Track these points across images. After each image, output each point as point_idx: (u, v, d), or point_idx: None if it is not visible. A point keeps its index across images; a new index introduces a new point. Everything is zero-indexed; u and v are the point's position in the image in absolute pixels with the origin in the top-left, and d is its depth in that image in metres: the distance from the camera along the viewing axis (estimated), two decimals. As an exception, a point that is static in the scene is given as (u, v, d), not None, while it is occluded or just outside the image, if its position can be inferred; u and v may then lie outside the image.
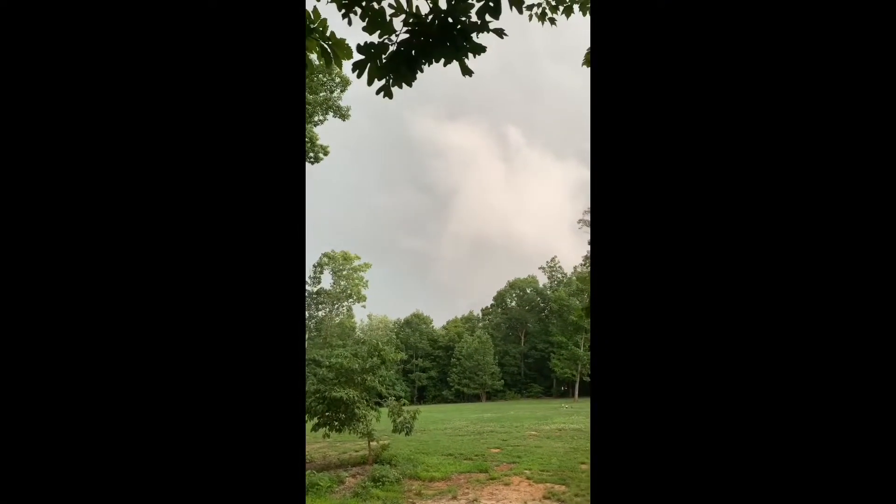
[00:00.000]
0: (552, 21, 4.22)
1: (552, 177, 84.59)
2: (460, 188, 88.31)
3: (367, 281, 35.74)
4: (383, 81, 2.33)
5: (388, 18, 2.24)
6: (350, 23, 2.27)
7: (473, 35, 2.20)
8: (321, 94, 13.86)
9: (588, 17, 4.27)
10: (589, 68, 4.47)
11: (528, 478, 10.57)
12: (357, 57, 2.35)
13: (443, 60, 2.23)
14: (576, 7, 4.22)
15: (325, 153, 13.78)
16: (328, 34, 2.39)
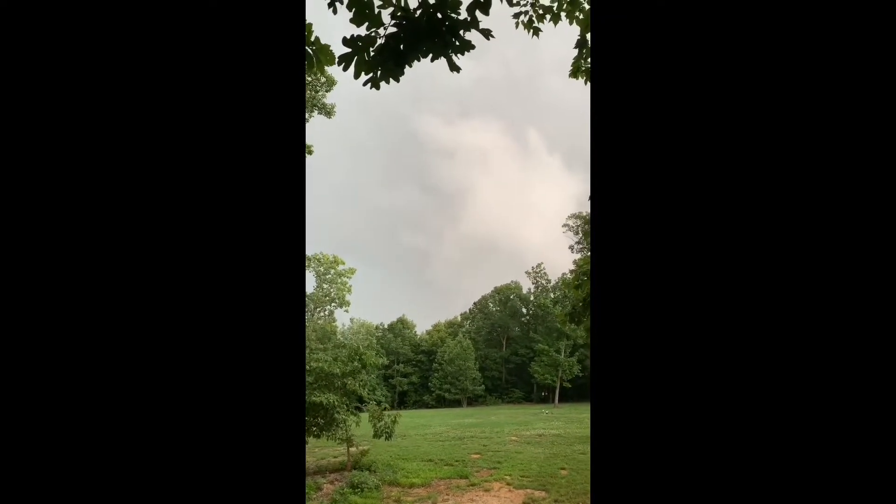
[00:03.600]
0: (536, 32, 4.20)
1: (559, 184, 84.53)
2: (465, 191, 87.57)
3: (350, 286, 35.05)
4: (371, 75, 2.28)
5: (375, 10, 2.19)
6: (335, 11, 2.21)
7: (462, 32, 2.17)
8: (306, 93, 13.76)
9: (574, 26, 4.29)
10: (579, 80, 4.51)
11: (508, 483, 10.53)
12: (343, 51, 2.30)
13: (430, 56, 2.20)
14: (563, 14, 4.21)
15: (310, 152, 13.65)
16: (312, 39, 2.34)
